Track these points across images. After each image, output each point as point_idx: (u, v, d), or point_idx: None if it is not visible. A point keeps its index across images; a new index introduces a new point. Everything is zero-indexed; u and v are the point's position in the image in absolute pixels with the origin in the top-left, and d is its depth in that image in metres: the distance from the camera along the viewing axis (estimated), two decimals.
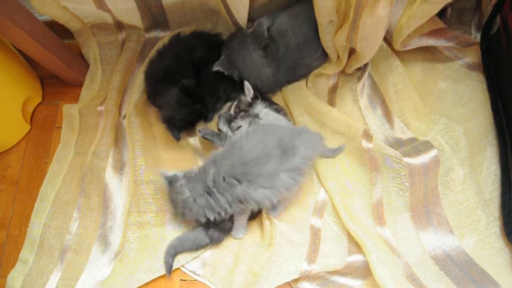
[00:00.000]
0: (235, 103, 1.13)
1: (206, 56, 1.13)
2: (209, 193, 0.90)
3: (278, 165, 0.87)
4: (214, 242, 1.03)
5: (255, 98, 1.07)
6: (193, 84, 1.08)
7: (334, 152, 1.07)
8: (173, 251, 1.01)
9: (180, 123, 1.12)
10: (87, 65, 1.34)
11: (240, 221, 1.00)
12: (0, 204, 1.22)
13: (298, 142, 0.90)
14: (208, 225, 0.99)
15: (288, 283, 0.97)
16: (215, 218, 0.93)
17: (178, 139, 1.15)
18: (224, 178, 0.88)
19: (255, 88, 1.09)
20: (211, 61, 1.10)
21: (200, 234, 1.02)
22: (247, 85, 1.06)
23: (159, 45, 1.23)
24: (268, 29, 1.11)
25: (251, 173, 0.87)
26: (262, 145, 0.89)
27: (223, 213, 0.92)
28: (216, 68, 1.09)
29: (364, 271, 0.95)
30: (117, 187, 1.15)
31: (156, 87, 1.13)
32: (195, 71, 1.11)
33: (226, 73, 1.10)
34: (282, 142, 0.89)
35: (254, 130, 0.95)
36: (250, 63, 1.09)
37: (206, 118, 1.17)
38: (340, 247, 0.99)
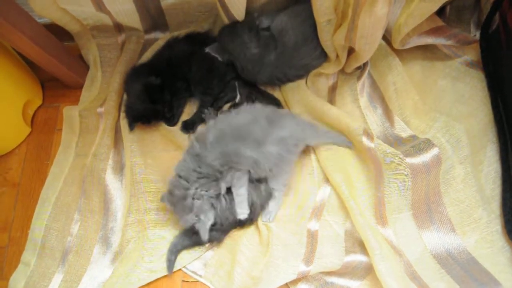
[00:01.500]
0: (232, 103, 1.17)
1: (191, 54, 1.16)
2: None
3: (265, 135, 0.94)
4: (214, 241, 1.03)
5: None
6: (157, 84, 1.11)
7: (343, 141, 1.07)
8: (175, 249, 1.02)
9: (135, 115, 1.15)
10: (87, 67, 1.34)
11: (240, 196, 1.00)
12: (2, 206, 1.22)
13: (286, 118, 1.01)
14: (211, 227, 0.99)
15: (286, 285, 0.96)
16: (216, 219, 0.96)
17: (131, 128, 1.17)
18: (217, 139, 0.94)
19: (241, 70, 1.13)
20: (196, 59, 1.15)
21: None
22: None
23: (154, 48, 1.24)
24: (268, 29, 1.11)
25: (241, 135, 0.93)
26: (251, 116, 0.98)
27: (211, 170, 0.94)
28: (207, 51, 1.12)
29: (362, 272, 0.95)
30: (118, 188, 1.15)
31: (131, 76, 1.17)
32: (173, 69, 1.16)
33: (219, 58, 1.13)
34: (268, 116, 0.98)
35: (243, 108, 1.04)
36: (239, 43, 1.10)
37: (168, 121, 1.19)
38: (337, 247, 0.99)
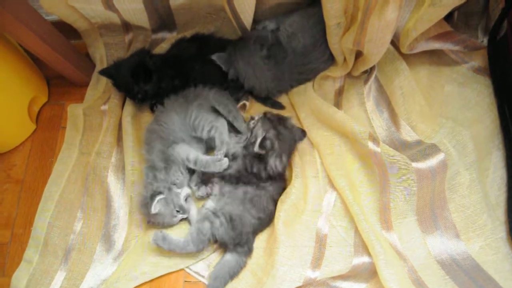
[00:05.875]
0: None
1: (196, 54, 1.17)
2: None
3: None
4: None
5: None
6: (149, 68, 1.12)
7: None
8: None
9: (111, 72, 1.16)
10: (93, 66, 1.34)
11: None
12: (5, 203, 1.22)
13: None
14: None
15: None
16: None
17: (100, 73, 1.18)
18: None
19: (251, 91, 1.13)
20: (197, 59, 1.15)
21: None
22: None
23: (163, 46, 1.24)
24: (274, 31, 1.11)
25: None
26: None
27: None
28: (214, 58, 1.10)
29: (367, 275, 0.95)
30: (120, 187, 1.15)
31: (141, 51, 1.19)
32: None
33: (223, 67, 1.11)
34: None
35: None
36: (252, 64, 1.09)
37: (136, 100, 1.20)
38: (345, 251, 0.99)
